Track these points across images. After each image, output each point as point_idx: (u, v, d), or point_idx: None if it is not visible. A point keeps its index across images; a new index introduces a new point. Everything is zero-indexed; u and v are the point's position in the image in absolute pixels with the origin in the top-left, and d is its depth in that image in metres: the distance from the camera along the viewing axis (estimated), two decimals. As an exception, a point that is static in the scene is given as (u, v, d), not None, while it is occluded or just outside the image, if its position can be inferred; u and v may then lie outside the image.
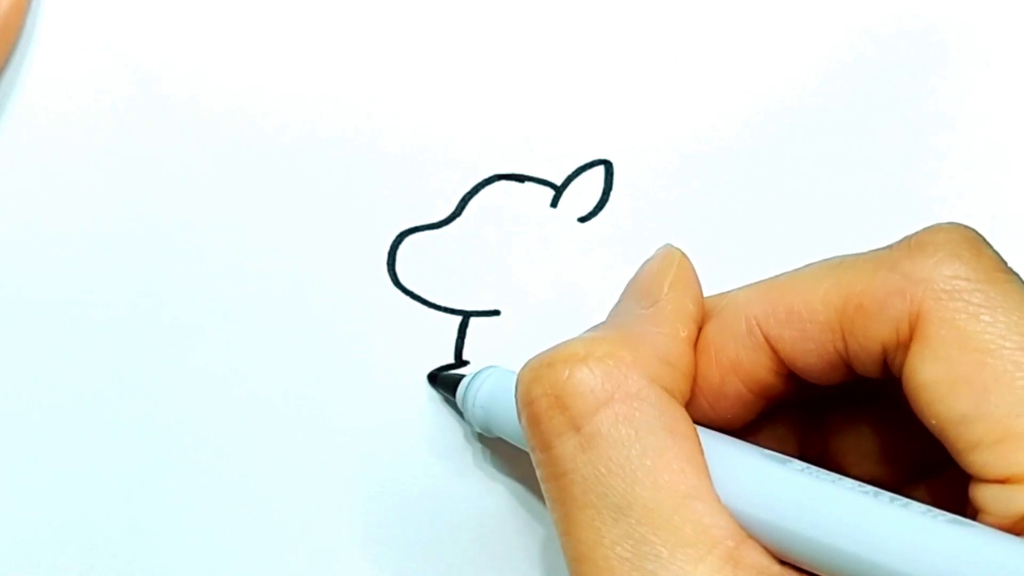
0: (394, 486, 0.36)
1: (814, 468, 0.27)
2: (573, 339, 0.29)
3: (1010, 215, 0.38)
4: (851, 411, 0.31)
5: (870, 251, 0.28)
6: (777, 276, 0.29)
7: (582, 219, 0.38)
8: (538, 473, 0.29)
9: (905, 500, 0.25)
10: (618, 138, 0.38)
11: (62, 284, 0.37)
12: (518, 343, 0.37)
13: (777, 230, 0.38)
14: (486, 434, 0.35)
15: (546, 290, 0.38)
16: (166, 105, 0.38)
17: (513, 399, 0.30)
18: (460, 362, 0.37)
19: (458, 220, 0.38)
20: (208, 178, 0.38)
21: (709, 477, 0.27)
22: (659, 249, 0.32)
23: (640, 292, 0.30)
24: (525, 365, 0.29)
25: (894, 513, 0.25)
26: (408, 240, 0.38)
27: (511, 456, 0.36)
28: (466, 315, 0.37)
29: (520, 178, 0.38)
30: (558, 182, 0.38)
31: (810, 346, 0.28)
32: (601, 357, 0.28)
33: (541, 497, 0.34)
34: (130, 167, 0.38)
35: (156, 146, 0.38)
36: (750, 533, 0.26)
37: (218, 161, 0.38)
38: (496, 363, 0.36)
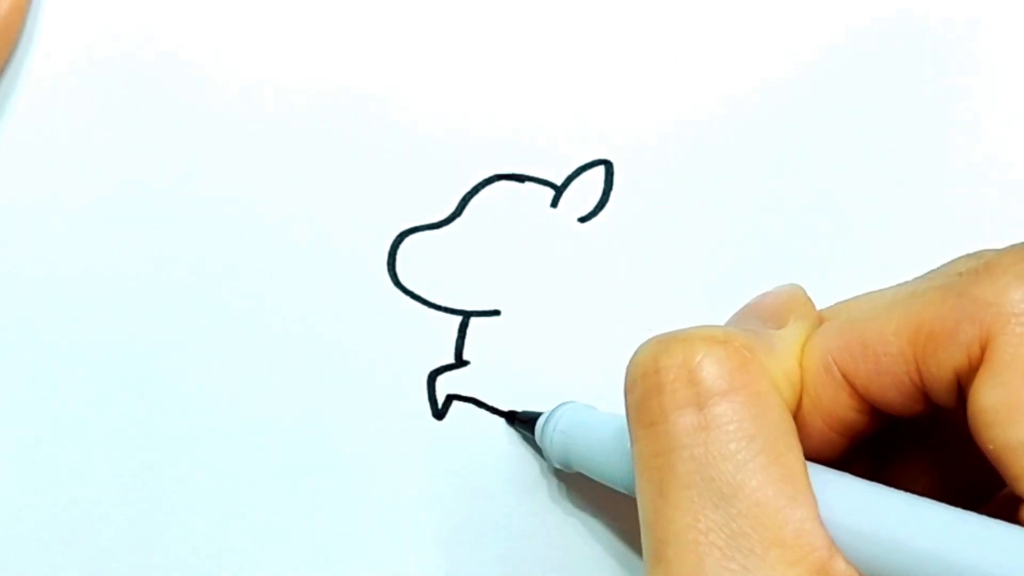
0: (394, 486, 0.36)
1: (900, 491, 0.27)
2: (705, 325, 0.28)
3: (1009, 215, 0.38)
4: (906, 437, 0.31)
5: (938, 274, 0.28)
6: (850, 313, 0.29)
7: (582, 219, 0.38)
8: (636, 448, 0.28)
9: (996, 520, 0.25)
10: (618, 138, 0.38)
11: (63, 284, 0.37)
12: (518, 343, 0.37)
13: (777, 230, 0.38)
14: (565, 469, 0.34)
15: (546, 290, 0.37)
16: (166, 105, 0.38)
17: (591, 432, 0.31)
18: (460, 362, 0.37)
19: (458, 220, 0.38)
20: (208, 178, 0.38)
21: (811, 488, 0.27)
22: (784, 286, 0.31)
23: (765, 314, 0.30)
24: (649, 340, 0.28)
25: (996, 530, 0.25)
26: (408, 240, 0.38)
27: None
28: (466, 315, 0.37)
29: (520, 178, 0.38)
30: (558, 182, 0.38)
31: (886, 379, 0.28)
32: (739, 347, 0.27)
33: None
34: (130, 167, 0.38)
35: (156, 146, 0.38)
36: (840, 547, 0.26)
37: (218, 161, 0.38)
38: (497, 363, 0.36)
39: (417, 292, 0.37)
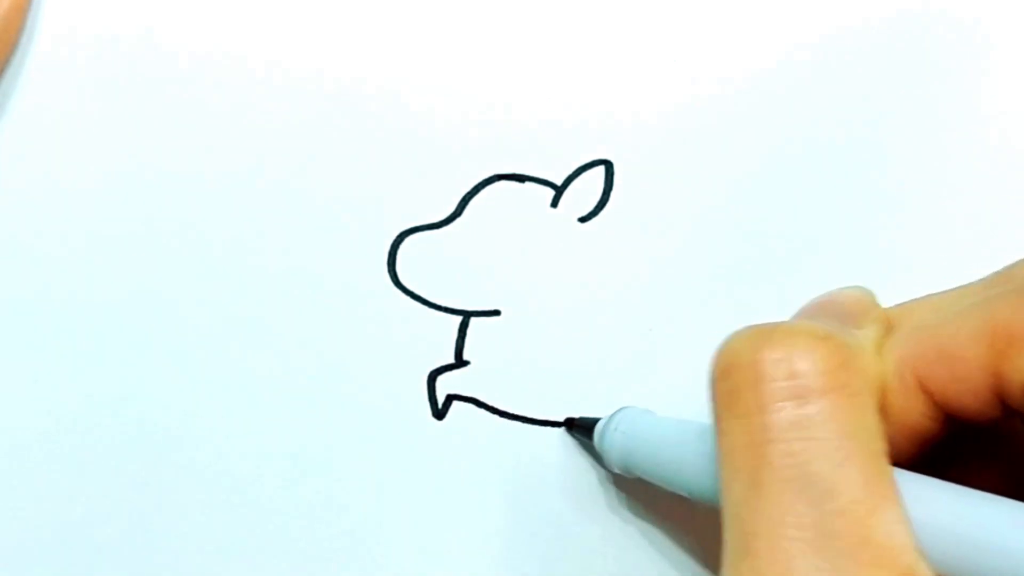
0: (394, 486, 0.36)
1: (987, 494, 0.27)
2: (802, 320, 0.28)
3: (1010, 215, 0.38)
4: (972, 444, 0.30)
5: (1011, 275, 0.28)
6: (918, 318, 0.29)
7: (582, 219, 0.38)
8: (726, 439, 0.27)
9: None
10: (618, 138, 0.38)
11: (63, 284, 0.37)
12: (518, 343, 0.37)
13: (777, 230, 0.38)
14: (625, 474, 0.34)
15: (546, 290, 0.37)
16: (166, 104, 0.38)
17: (655, 433, 0.31)
18: (460, 362, 0.37)
19: (458, 220, 0.38)
20: (209, 178, 0.38)
21: (900, 493, 0.26)
22: (857, 287, 0.31)
23: (840, 313, 0.30)
24: (743, 330, 0.28)
25: None
26: (408, 240, 0.38)
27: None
28: (466, 315, 0.37)
29: (520, 178, 0.38)
30: (558, 182, 0.38)
31: (963, 385, 0.27)
32: (840, 345, 0.27)
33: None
34: (131, 167, 0.38)
35: (157, 146, 0.38)
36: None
37: (219, 161, 0.38)
38: (497, 363, 0.36)
39: (417, 292, 0.37)
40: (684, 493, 0.31)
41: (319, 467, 0.36)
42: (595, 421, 0.35)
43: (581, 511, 0.36)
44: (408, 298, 0.37)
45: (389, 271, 0.37)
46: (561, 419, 0.37)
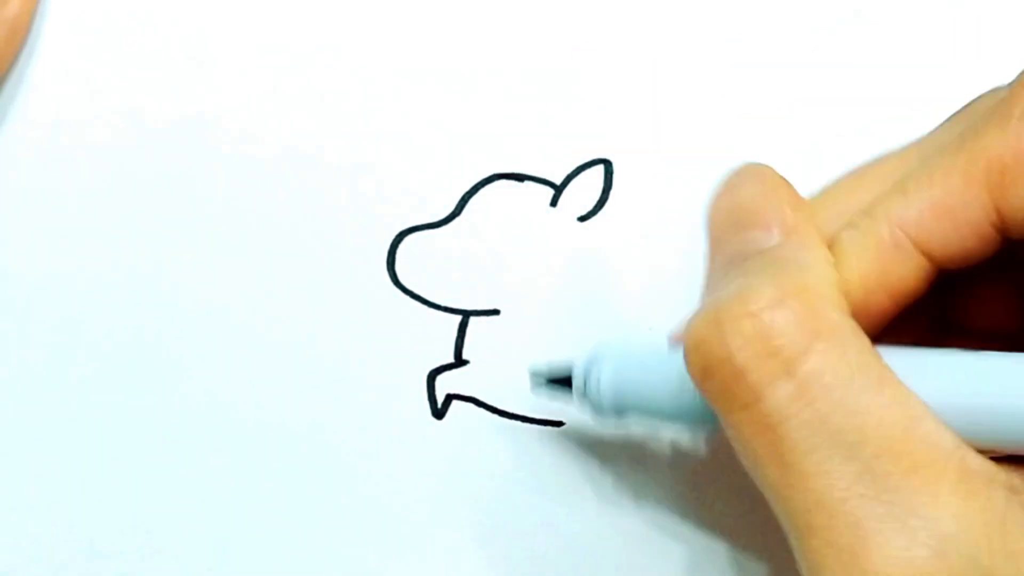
0: (393, 486, 0.36)
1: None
2: (751, 285, 0.27)
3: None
4: (986, 277, 0.30)
5: (973, 112, 0.27)
6: (905, 176, 0.28)
7: (582, 218, 0.38)
8: (739, 434, 0.27)
9: None
10: (618, 138, 0.38)
11: (63, 286, 0.37)
12: (518, 342, 0.37)
13: (778, 229, 0.38)
14: (616, 420, 0.32)
15: (546, 290, 0.37)
16: (169, 109, 0.39)
17: (644, 364, 0.29)
18: (460, 362, 0.37)
19: (458, 219, 0.38)
20: (209, 178, 0.38)
21: (913, 393, 0.26)
22: (739, 170, 0.30)
23: (755, 222, 0.29)
24: (698, 322, 0.27)
25: None
26: (408, 239, 0.38)
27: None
28: (466, 314, 0.37)
29: (520, 177, 0.38)
30: (558, 181, 0.38)
31: (964, 232, 0.27)
32: (797, 295, 0.26)
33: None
34: (133, 170, 0.38)
35: (158, 149, 0.38)
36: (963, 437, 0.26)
37: (218, 161, 0.38)
38: (497, 362, 0.36)
39: (416, 291, 0.37)
40: (689, 424, 0.30)
41: (318, 466, 0.36)
42: (567, 368, 0.33)
43: (580, 511, 0.36)
44: (407, 297, 0.37)
45: (388, 270, 0.38)
46: (561, 419, 0.36)
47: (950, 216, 0.27)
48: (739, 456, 0.28)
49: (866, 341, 0.27)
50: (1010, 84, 0.27)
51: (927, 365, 0.27)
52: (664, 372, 0.30)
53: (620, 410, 0.32)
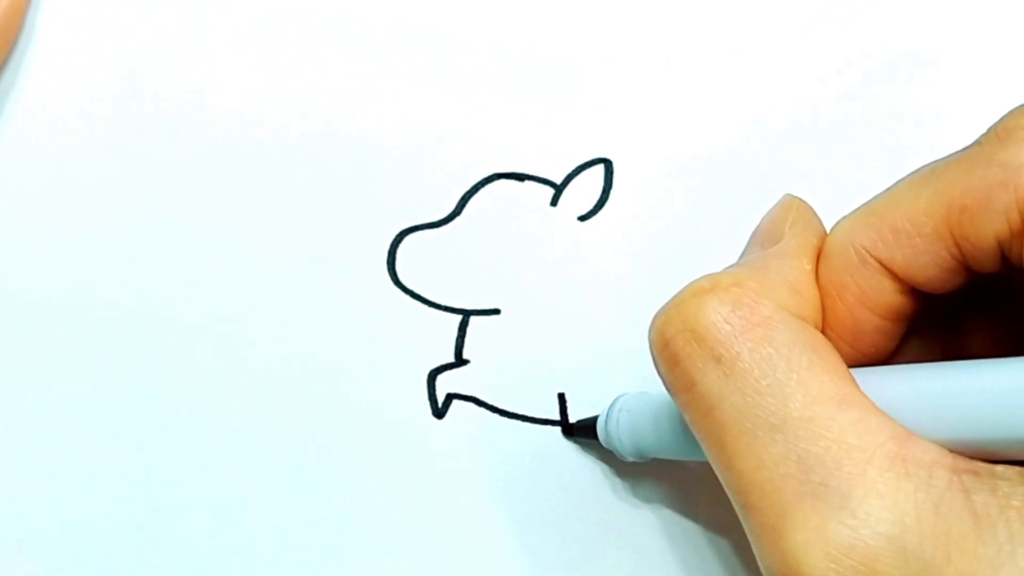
0: (393, 485, 0.36)
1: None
2: (698, 277, 0.29)
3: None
4: (983, 309, 0.30)
5: (957, 152, 0.28)
6: (872, 199, 0.29)
7: (582, 218, 0.38)
8: (686, 417, 0.28)
9: None
10: (618, 138, 0.38)
11: (63, 283, 0.37)
12: (518, 342, 0.37)
13: (777, 229, 0.38)
14: (640, 460, 0.34)
15: (546, 289, 0.38)
16: (165, 104, 0.38)
17: (650, 414, 0.31)
18: (460, 361, 0.37)
19: (458, 219, 0.38)
20: (208, 178, 0.38)
21: (858, 386, 0.27)
22: (779, 200, 0.32)
23: (763, 237, 0.31)
24: (655, 315, 0.29)
25: None
26: (408, 239, 0.38)
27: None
28: (466, 314, 0.37)
29: (520, 177, 0.38)
30: (558, 181, 0.38)
31: (924, 259, 0.28)
32: (727, 286, 0.28)
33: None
34: (130, 167, 0.38)
35: (155, 146, 0.38)
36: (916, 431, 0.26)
37: (218, 161, 0.38)
38: (497, 361, 0.36)
39: (417, 291, 0.37)
40: (701, 460, 0.31)
41: (319, 466, 0.36)
42: (594, 419, 0.35)
43: (581, 509, 0.36)
44: (408, 297, 0.37)
45: (389, 270, 0.37)
46: (560, 418, 0.37)
47: (910, 243, 0.28)
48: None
49: (812, 334, 0.28)
50: (992, 127, 0.27)
51: (896, 374, 0.28)
52: (673, 421, 0.32)
53: (641, 455, 0.34)
